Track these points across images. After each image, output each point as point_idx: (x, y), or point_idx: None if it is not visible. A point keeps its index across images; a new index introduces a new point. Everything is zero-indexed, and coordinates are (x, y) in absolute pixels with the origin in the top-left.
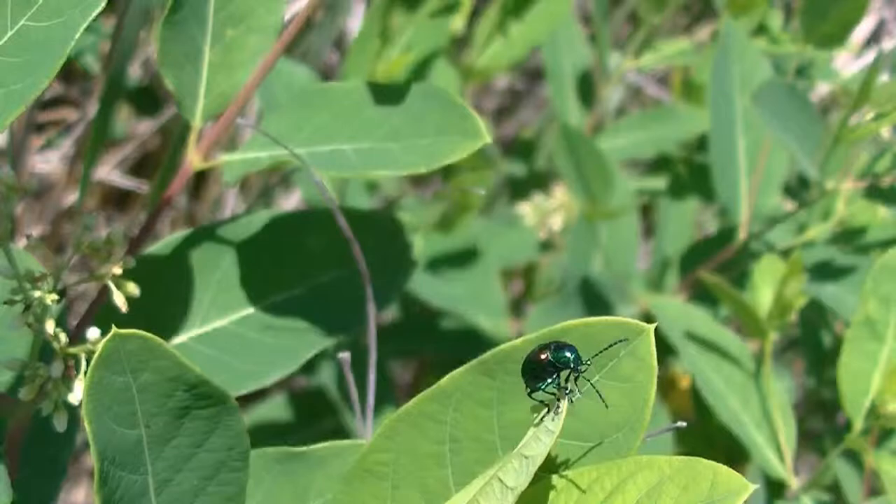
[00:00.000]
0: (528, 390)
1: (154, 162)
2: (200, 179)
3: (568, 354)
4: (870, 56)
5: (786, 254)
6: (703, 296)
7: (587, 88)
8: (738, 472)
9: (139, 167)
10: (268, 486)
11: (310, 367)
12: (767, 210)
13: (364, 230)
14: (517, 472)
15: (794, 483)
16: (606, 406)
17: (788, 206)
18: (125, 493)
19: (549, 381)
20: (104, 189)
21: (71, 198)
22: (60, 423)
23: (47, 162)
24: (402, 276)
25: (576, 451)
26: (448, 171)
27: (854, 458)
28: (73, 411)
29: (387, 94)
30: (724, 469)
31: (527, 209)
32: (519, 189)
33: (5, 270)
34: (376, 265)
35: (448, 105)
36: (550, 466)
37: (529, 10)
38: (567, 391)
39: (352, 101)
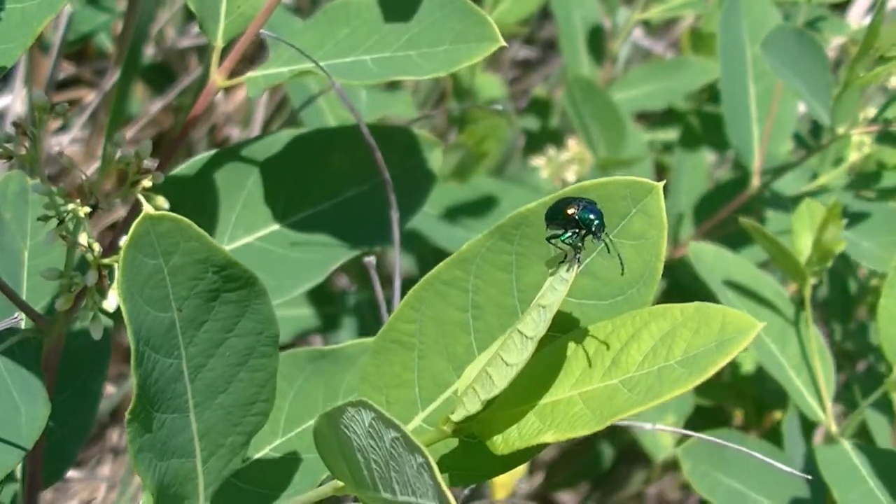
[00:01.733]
0: (548, 236)
1: (169, 140)
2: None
3: (593, 217)
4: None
5: (797, 200)
6: (723, 240)
7: (597, 43)
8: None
9: (154, 146)
10: (300, 384)
11: (329, 325)
12: (780, 157)
13: (386, 146)
14: (535, 322)
15: (834, 427)
16: (623, 272)
17: (800, 152)
18: (160, 375)
19: (570, 234)
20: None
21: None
22: (96, 331)
23: (61, 142)
24: (424, 189)
25: (592, 310)
26: (463, 123)
27: (884, 407)
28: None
29: (405, 5)
30: (733, 311)
31: (541, 162)
32: (533, 145)
33: (38, 187)
34: (398, 179)
35: (465, 12)
36: (569, 324)
37: None
38: (582, 248)
39: (371, 15)
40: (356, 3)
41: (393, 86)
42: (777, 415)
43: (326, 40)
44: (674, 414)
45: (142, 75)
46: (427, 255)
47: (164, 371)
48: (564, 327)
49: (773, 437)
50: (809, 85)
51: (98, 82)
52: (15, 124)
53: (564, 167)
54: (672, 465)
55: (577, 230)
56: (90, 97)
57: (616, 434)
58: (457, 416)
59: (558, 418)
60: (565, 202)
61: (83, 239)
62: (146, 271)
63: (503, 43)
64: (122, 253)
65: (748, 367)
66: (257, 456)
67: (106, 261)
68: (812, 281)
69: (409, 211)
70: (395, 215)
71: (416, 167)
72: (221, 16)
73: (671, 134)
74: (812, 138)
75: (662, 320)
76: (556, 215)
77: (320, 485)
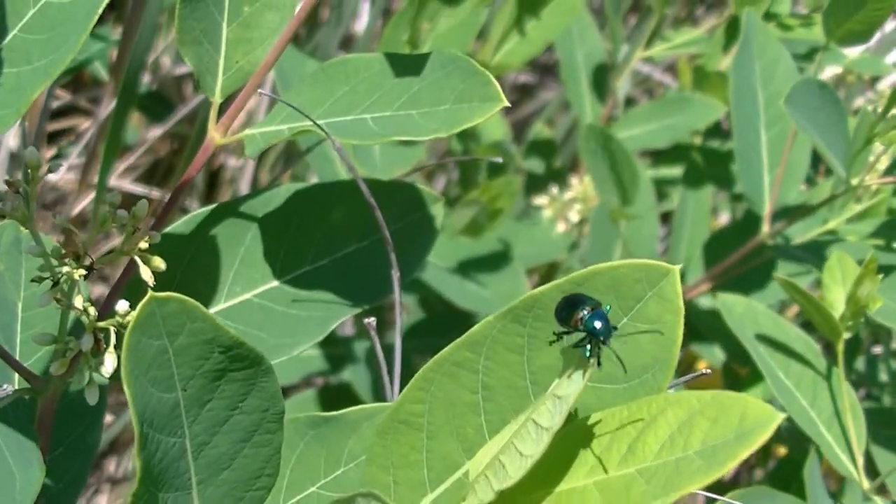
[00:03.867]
0: (558, 332)
1: (165, 168)
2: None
3: (599, 326)
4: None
5: (808, 247)
6: (729, 285)
7: (600, 79)
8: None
9: (150, 174)
10: (301, 451)
11: (336, 366)
12: (790, 201)
13: (386, 200)
14: (551, 413)
15: (865, 483)
16: (625, 371)
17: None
18: (164, 455)
19: (580, 341)
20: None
21: (82, 206)
22: (92, 396)
23: (57, 171)
24: (425, 245)
25: (607, 393)
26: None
27: None
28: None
29: (407, 63)
30: (753, 401)
31: (544, 201)
32: (535, 183)
33: (32, 249)
34: (399, 234)
35: (468, 72)
36: (582, 408)
37: (545, 5)
38: (597, 351)
39: (372, 73)
40: (355, 61)
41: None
42: (780, 450)
43: (326, 98)
44: None
45: (137, 103)
46: (435, 305)
47: (167, 451)
48: (577, 410)
49: (781, 480)
50: (827, 138)
51: (93, 110)
52: (7, 182)
53: (568, 207)
54: None
55: (586, 339)
56: (85, 125)
57: None
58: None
59: None
60: (572, 304)
61: (78, 302)
62: (151, 353)
63: (506, 102)
64: (126, 336)
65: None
66: None
67: (102, 324)
68: (845, 336)
69: (410, 266)
70: (395, 275)
71: (418, 222)
72: (219, 71)
73: (675, 170)
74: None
75: (679, 408)
76: (565, 318)
77: None
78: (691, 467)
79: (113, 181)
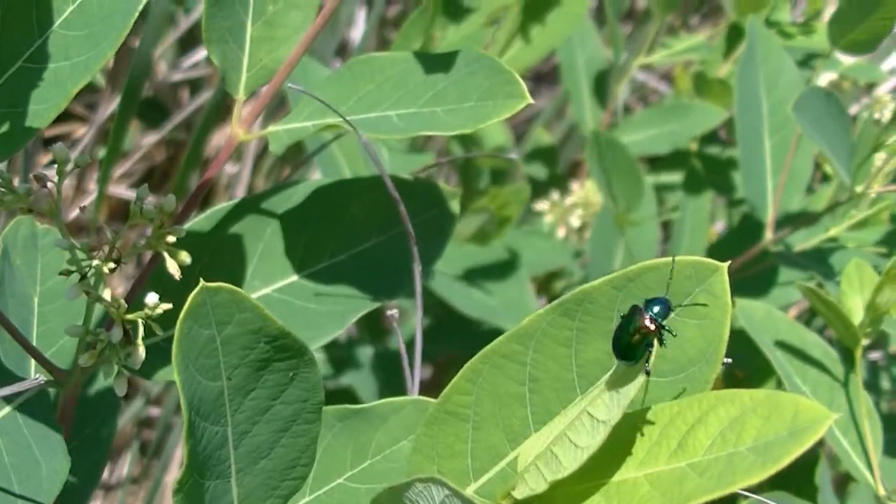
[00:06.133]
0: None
1: (160, 174)
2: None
3: (659, 311)
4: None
5: (810, 254)
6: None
7: (601, 85)
8: None
9: (145, 181)
10: (329, 442)
11: (337, 371)
12: (792, 208)
13: (406, 196)
14: (608, 406)
15: (882, 489)
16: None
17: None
18: (207, 444)
19: (643, 347)
20: (111, 202)
21: (79, 212)
22: (121, 388)
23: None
24: (442, 241)
25: (653, 387)
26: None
27: None
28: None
29: (433, 62)
30: (805, 400)
31: (545, 206)
32: (536, 188)
33: (61, 242)
34: (418, 229)
35: (494, 70)
36: (631, 402)
37: (549, 12)
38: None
39: (396, 71)
40: (381, 59)
41: (416, 148)
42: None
43: (350, 95)
44: None
45: None
46: (439, 313)
47: (211, 439)
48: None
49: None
50: (833, 145)
51: (90, 116)
52: (36, 177)
53: (569, 212)
54: None
55: (650, 343)
56: (81, 131)
57: None
58: (519, 494)
59: (625, 499)
60: (636, 320)
61: (107, 294)
62: (201, 341)
63: (531, 100)
64: (178, 324)
65: None
66: None
67: (131, 316)
68: (864, 342)
69: (428, 261)
70: (417, 268)
71: (435, 218)
72: (244, 69)
73: (675, 176)
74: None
75: (731, 405)
76: (631, 324)
77: None
78: (744, 463)
79: (109, 188)
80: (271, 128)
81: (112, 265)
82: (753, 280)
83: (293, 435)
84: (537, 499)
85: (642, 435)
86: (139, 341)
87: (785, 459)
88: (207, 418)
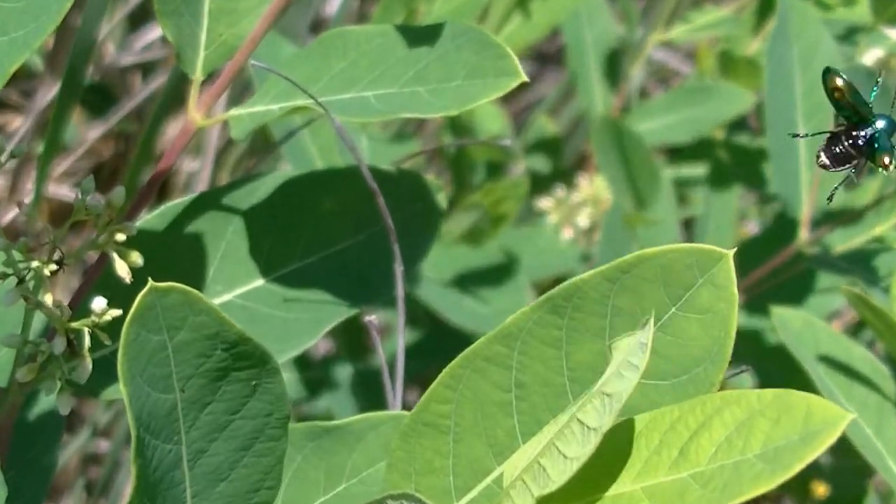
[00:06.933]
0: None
1: (108, 172)
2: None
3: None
4: None
5: (852, 256)
6: (760, 300)
7: (612, 66)
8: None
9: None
10: (299, 465)
11: (311, 392)
12: (832, 205)
13: (385, 189)
14: (599, 412)
15: None
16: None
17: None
18: (159, 464)
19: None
20: (51, 205)
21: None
22: (64, 406)
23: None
24: (427, 239)
25: (652, 390)
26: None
27: None
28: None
29: (414, 36)
30: (818, 399)
31: (548, 204)
32: (538, 184)
33: None
34: (399, 226)
35: (482, 44)
36: (626, 408)
37: None
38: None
39: (374, 46)
40: (356, 33)
41: (400, 136)
42: (820, 489)
43: (322, 74)
44: None
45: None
46: (426, 324)
47: (162, 458)
48: (623, 410)
49: None
50: None
51: (27, 105)
52: None
53: (575, 211)
54: None
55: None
56: (16, 123)
57: None
58: None
59: None
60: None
61: (48, 300)
62: (149, 349)
63: (524, 77)
64: (124, 329)
65: None
66: None
67: (75, 325)
68: None
69: (411, 263)
70: (399, 269)
71: (419, 213)
72: (201, 45)
73: (697, 169)
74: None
75: (737, 407)
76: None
77: None
78: (752, 471)
79: (49, 188)
80: (233, 111)
81: (54, 267)
82: (787, 286)
83: (256, 454)
84: None
85: (640, 444)
86: (85, 352)
87: (796, 466)
88: (158, 435)
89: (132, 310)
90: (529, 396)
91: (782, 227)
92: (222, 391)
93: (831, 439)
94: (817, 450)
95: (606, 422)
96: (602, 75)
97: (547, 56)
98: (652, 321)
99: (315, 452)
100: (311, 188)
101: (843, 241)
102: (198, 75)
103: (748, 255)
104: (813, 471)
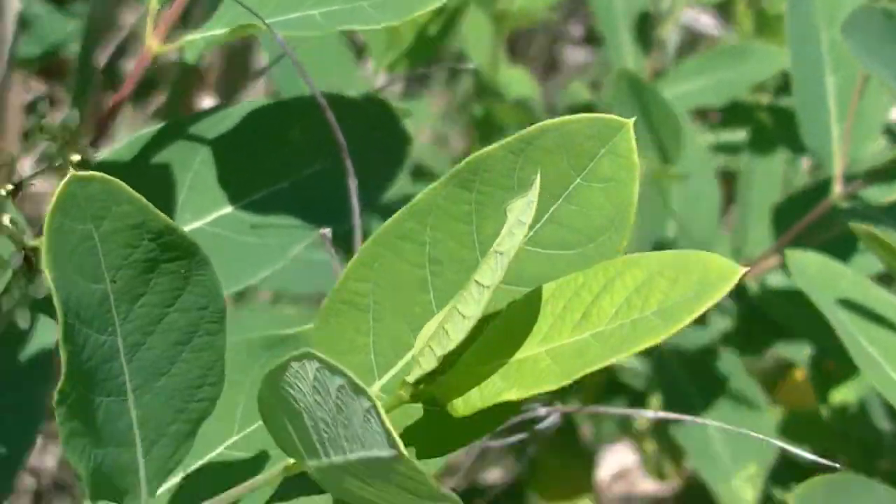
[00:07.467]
0: None
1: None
2: None
3: None
4: None
5: (889, 209)
6: None
7: (643, 29)
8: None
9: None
10: (256, 373)
11: None
12: (865, 159)
13: (352, 118)
14: (492, 270)
15: None
16: None
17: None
18: (93, 353)
19: None
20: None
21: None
22: (24, 319)
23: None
24: (393, 169)
25: (560, 260)
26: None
27: None
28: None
29: None
30: (714, 257)
31: None
32: None
33: None
34: (366, 155)
35: None
36: (537, 277)
37: None
38: None
39: None
40: None
41: (412, 94)
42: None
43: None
44: (756, 462)
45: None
46: None
47: (97, 348)
48: (531, 281)
49: None
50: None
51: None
52: None
53: None
54: None
55: None
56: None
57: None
58: (412, 377)
59: (523, 376)
60: None
61: (6, 219)
62: (75, 237)
63: None
64: (46, 217)
65: (851, 400)
66: (210, 455)
67: (33, 243)
68: None
69: (379, 187)
70: (352, 183)
71: (386, 139)
72: None
73: (738, 134)
74: None
75: (637, 270)
76: None
77: None
78: (647, 326)
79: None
80: (188, 37)
81: (10, 187)
82: (828, 246)
83: (195, 349)
84: (436, 386)
85: (546, 310)
86: (42, 268)
87: (687, 318)
88: (91, 325)
89: (53, 198)
90: (444, 272)
91: (816, 183)
92: (153, 283)
93: (723, 292)
94: (709, 302)
95: (497, 277)
96: (633, 38)
97: (582, 39)
98: (538, 180)
99: (272, 361)
100: (279, 117)
101: (881, 196)
102: (154, 4)
103: (786, 212)
104: (875, 441)
